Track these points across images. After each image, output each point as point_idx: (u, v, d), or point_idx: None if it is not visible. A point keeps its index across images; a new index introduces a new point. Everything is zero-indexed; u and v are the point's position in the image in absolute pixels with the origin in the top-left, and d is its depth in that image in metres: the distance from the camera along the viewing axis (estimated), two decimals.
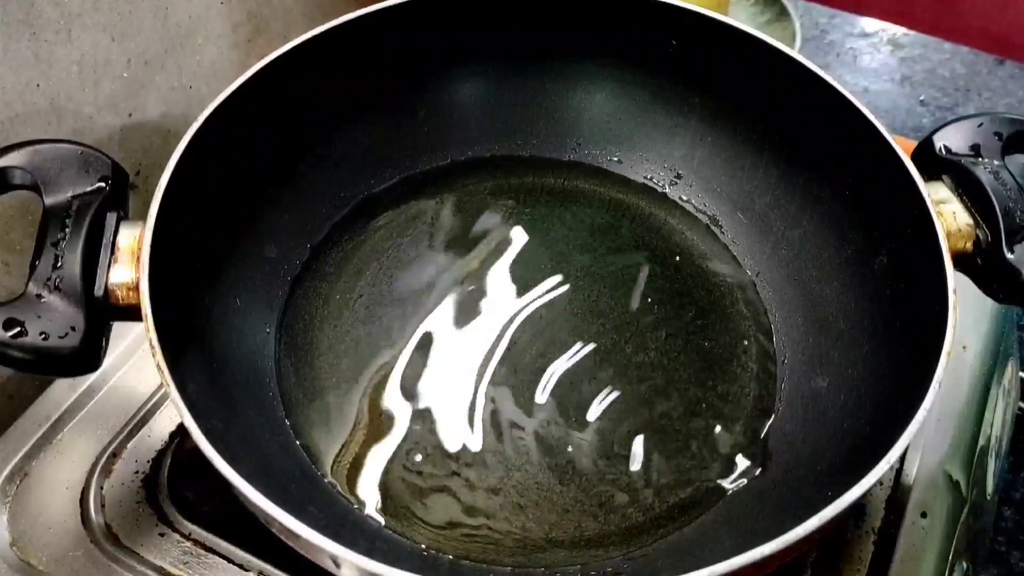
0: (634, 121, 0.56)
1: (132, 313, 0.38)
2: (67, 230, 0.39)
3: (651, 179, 0.56)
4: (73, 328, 0.37)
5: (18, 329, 0.36)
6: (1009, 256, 0.41)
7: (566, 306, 0.50)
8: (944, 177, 0.44)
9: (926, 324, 0.39)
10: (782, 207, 0.51)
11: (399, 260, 0.51)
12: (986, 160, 0.44)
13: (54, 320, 0.37)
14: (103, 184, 0.41)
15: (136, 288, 0.38)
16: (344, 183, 0.53)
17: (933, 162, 0.44)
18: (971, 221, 0.42)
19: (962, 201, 0.43)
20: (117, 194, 0.41)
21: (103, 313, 0.39)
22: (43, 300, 0.37)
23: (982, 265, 0.42)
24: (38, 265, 0.38)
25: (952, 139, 0.45)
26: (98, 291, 0.38)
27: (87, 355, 0.38)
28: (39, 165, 0.40)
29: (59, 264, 0.38)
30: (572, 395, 0.46)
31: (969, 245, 0.42)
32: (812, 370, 0.46)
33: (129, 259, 0.39)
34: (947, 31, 0.77)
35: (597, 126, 0.56)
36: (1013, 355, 0.58)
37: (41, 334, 0.37)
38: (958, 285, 0.39)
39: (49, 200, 0.40)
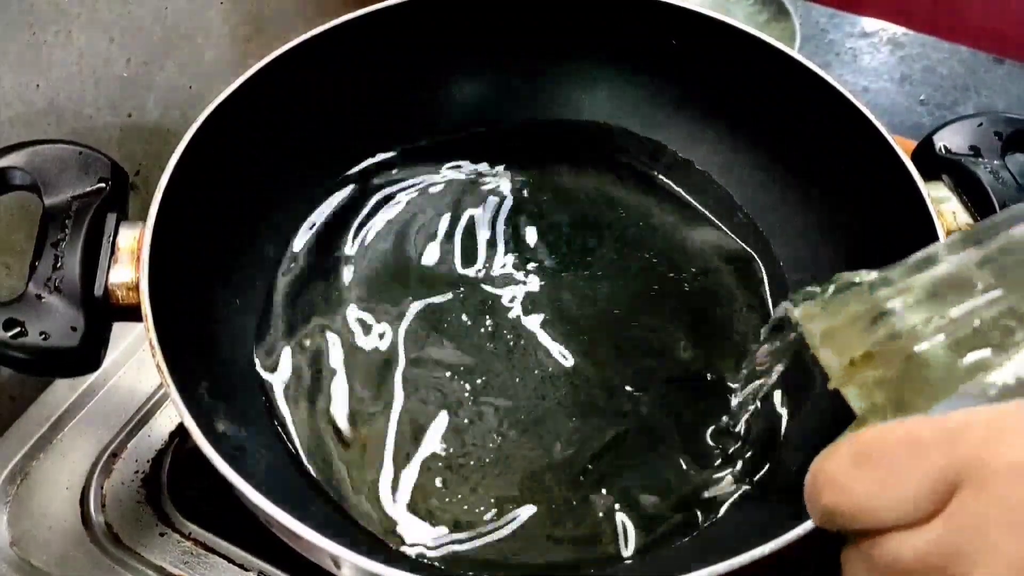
0: (634, 120, 0.56)
1: (132, 313, 0.38)
2: (67, 231, 0.39)
3: (649, 176, 0.56)
4: (73, 328, 0.37)
5: (18, 329, 0.36)
6: None
7: (566, 305, 0.50)
8: (944, 176, 0.44)
9: None
10: (781, 206, 0.51)
11: (399, 260, 0.51)
12: (986, 160, 0.44)
13: (54, 320, 0.37)
14: (103, 184, 0.41)
15: (136, 288, 0.38)
16: (344, 183, 0.53)
17: (933, 162, 0.45)
18: (971, 220, 0.42)
19: (962, 200, 0.43)
20: (117, 194, 0.41)
21: (103, 313, 0.39)
22: (43, 300, 0.37)
23: None
24: (38, 266, 0.38)
25: (952, 139, 0.45)
26: (98, 291, 0.39)
27: (87, 355, 0.38)
28: (39, 166, 0.40)
29: (59, 265, 0.38)
30: (571, 394, 0.46)
31: None
32: (813, 370, 0.46)
33: (129, 259, 0.39)
34: (946, 30, 0.77)
35: (596, 125, 0.57)
36: None
37: (41, 334, 0.37)
38: None
39: (49, 201, 0.40)
